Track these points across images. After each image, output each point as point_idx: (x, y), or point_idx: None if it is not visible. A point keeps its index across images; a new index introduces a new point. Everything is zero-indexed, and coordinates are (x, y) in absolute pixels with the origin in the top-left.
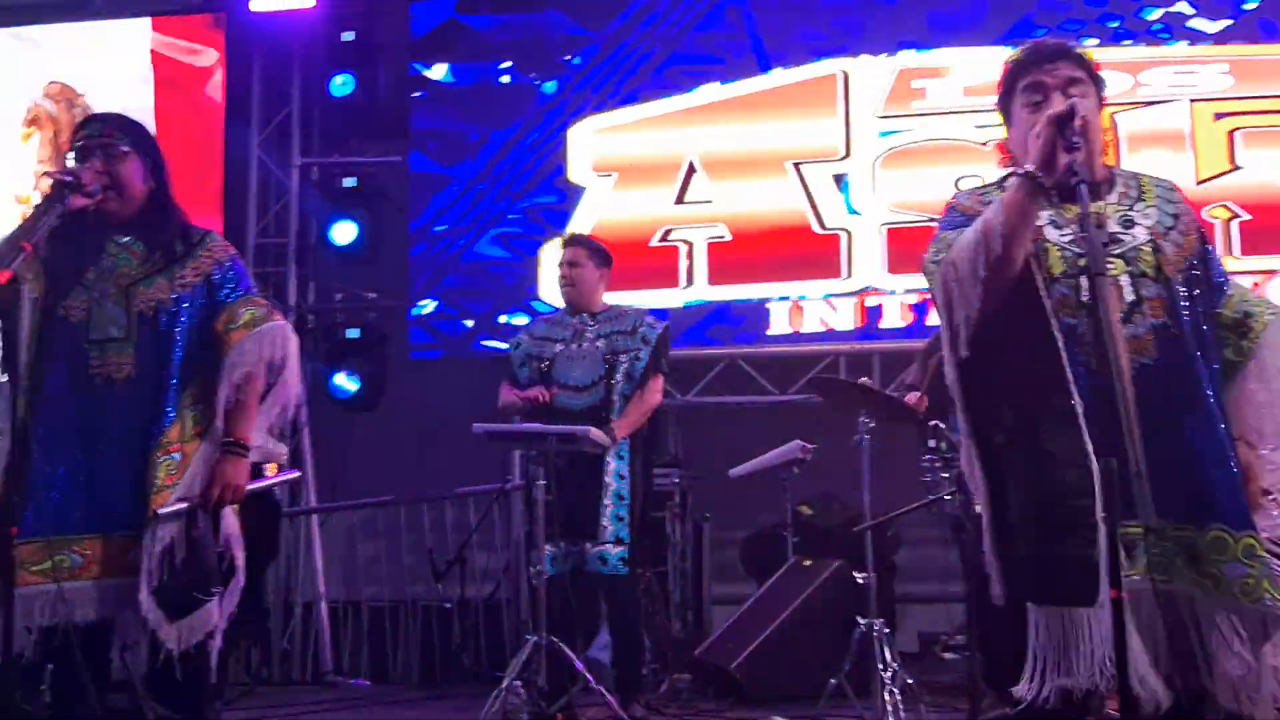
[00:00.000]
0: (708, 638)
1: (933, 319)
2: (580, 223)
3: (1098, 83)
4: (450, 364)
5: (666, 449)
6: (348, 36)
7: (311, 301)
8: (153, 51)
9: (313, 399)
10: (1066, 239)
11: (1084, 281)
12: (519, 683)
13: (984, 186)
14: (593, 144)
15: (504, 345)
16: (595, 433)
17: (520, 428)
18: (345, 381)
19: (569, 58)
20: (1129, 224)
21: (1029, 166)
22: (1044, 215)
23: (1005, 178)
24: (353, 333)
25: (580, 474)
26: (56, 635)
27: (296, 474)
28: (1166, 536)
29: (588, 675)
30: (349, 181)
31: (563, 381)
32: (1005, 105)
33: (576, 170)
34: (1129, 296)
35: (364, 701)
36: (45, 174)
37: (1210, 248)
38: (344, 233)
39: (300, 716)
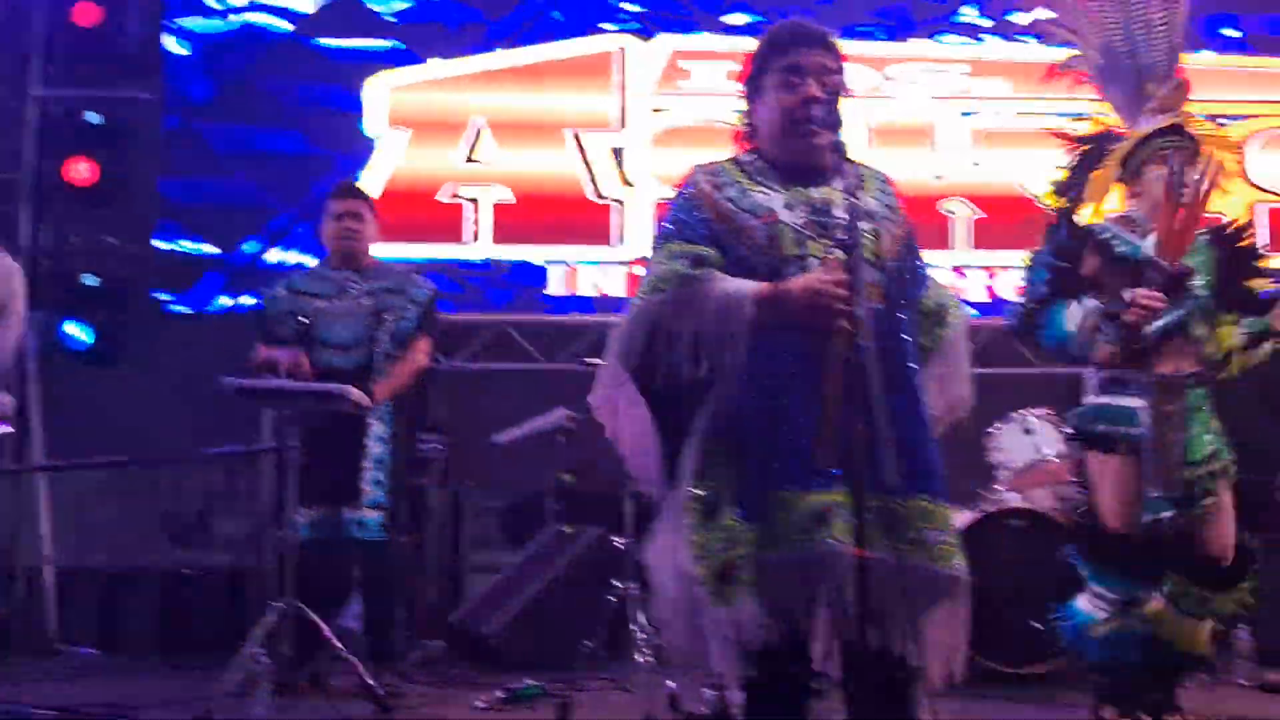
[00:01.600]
0: (464, 605)
1: None
2: (374, 176)
3: (842, 73)
4: (198, 317)
5: (430, 414)
6: None
7: (46, 245)
8: None
9: (46, 350)
10: (799, 221)
11: (813, 263)
12: (262, 651)
13: (720, 164)
14: (388, 99)
15: (257, 300)
16: (355, 393)
17: (274, 384)
18: (77, 331)
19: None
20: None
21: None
22: (778, 198)
23: (744, 157)
24: (90, 280)
25: (339, 436)
26: None
27: (8, 429)
28: (870, 504)
29: (336, 643)
30: (92, 117)
31: (324, 339)
32: (756, 81)
33: (372, 124)
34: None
35: (92, 672)
36: None
37: (913, 241)
38: (83, 172)
39: (22, 687)
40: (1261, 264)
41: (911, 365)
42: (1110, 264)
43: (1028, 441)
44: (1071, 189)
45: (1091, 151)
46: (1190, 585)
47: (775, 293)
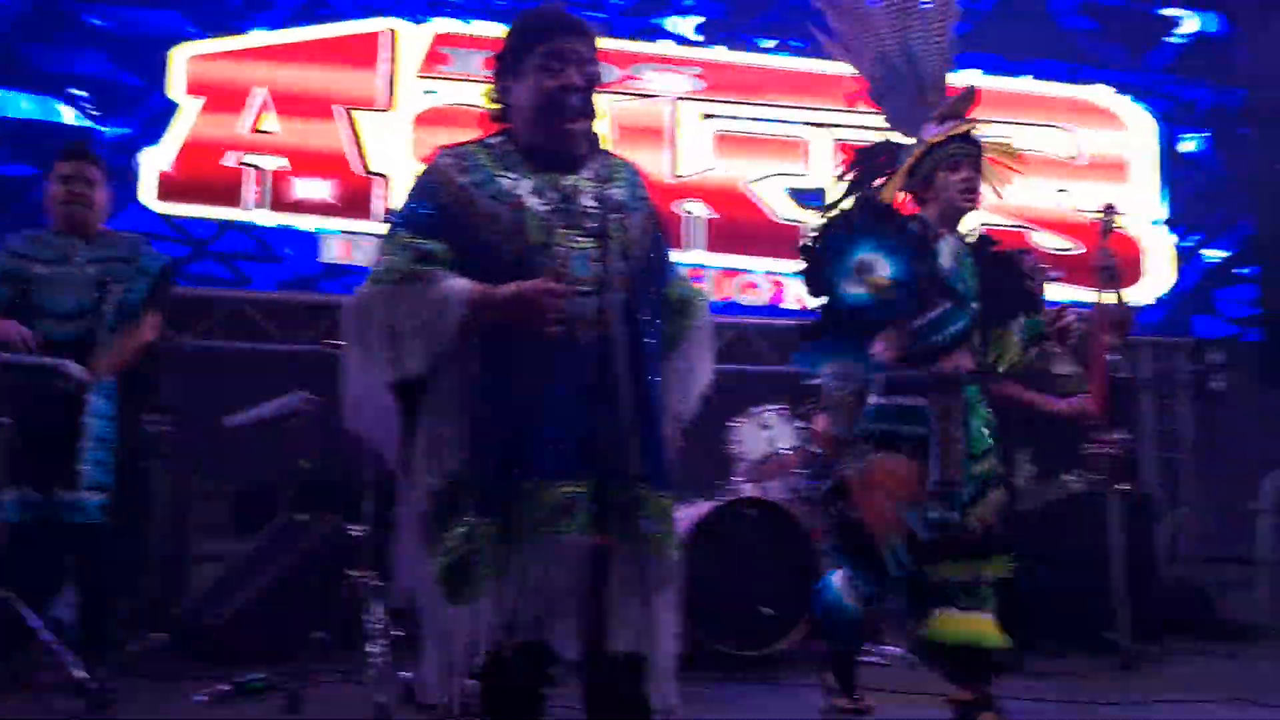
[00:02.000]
0: (189, 595)
1: None
2: (170, 140)
3: (598, 64)
4: None
5: (158, 392)
6: None
7: None
8: None
9: None
10: (547, 208)
11: (559, 251)
12: None
13: (468, 147)
14: (186, 69)
15: None
16: (74, 367)
17: None
18: None
19: None
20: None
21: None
22: (525, 184)
23: (493, 140)
24: None
25: (55, 412)
26: None
27: None
28: (605, 494)
29: (45, 634)
30: None
31: (43, 307)
32: (512, 64)
33: (172, 90)
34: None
35: None
36: None
37: (660, 232)
38: None
39: None
40: (1023, 263)
41: (651, 357)
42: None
43: (764, 435)
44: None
45: (875, 163)
46: (949, 568)
47: (486, 297)
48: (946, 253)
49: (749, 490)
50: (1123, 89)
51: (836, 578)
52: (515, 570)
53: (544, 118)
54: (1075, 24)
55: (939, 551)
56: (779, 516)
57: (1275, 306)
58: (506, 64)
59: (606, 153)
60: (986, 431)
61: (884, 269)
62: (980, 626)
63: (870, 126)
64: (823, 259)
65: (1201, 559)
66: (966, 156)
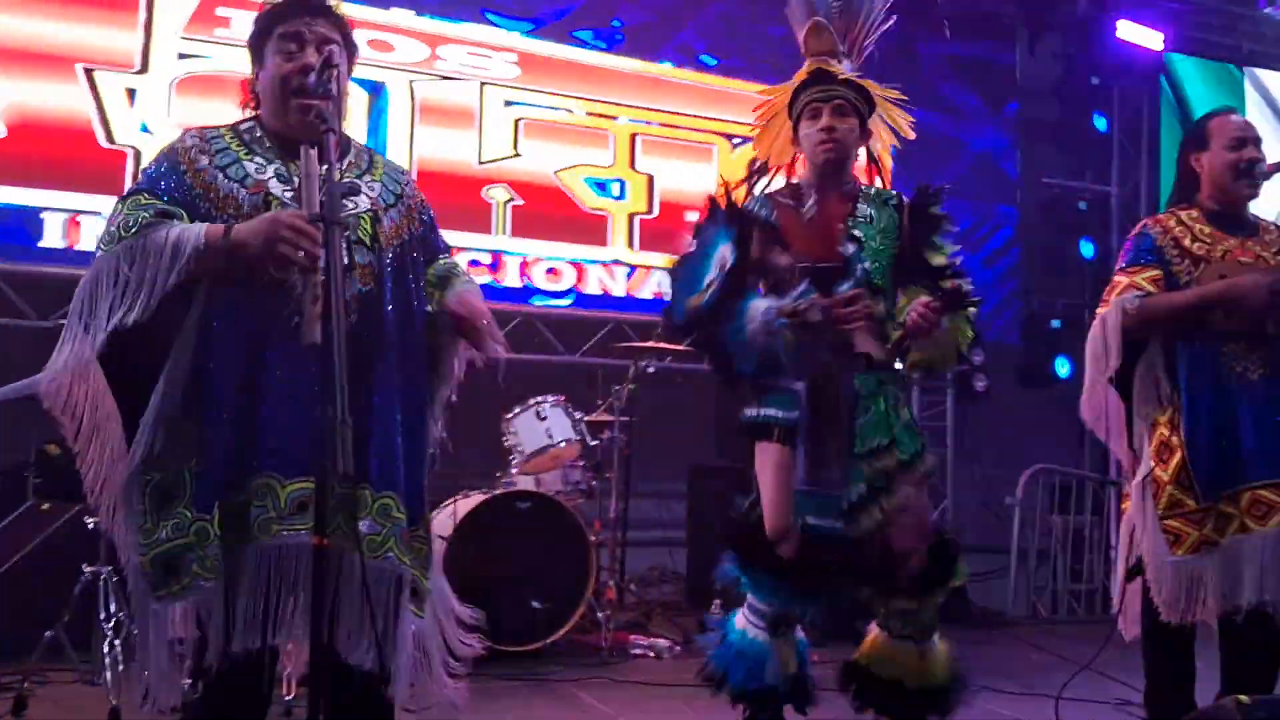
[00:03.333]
0: None
1: None
2: None
3: (350, 48)
4: None
5: None
6: None
7: None
8: None
9: None
10: (289, 194)
11: None
12: None
13: (217, 129)
14: None
15: None
16: None
17: None
18: None
19: None
20: (354, 191)
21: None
22: (270, 169)
23: (243, 124)
24: None
25: None
26: None
27: None
28: (335, 493)
29: None
30: None
31: None
32: (259, 45)
33: None
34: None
35: None
36: None
37: (435, 232)
38: None
39: None
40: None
41: (392, 355)
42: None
43: (540, 427)
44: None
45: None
46: (885, 599)
47: (230, 228)
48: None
49: (523, 483)
50: None
51: (738, 617)
52: (240, 571)
53: (281, 100)
54: None
55: (853, 570)
56: (553, 509)
57: (1031, 312)
58: (254, 50)
59: (369, 148)
60: (886, 429)
61: (729, 258)
62: (914, 660)
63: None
64: (690, 261)
65: (963, 550)
66: (828, 101)
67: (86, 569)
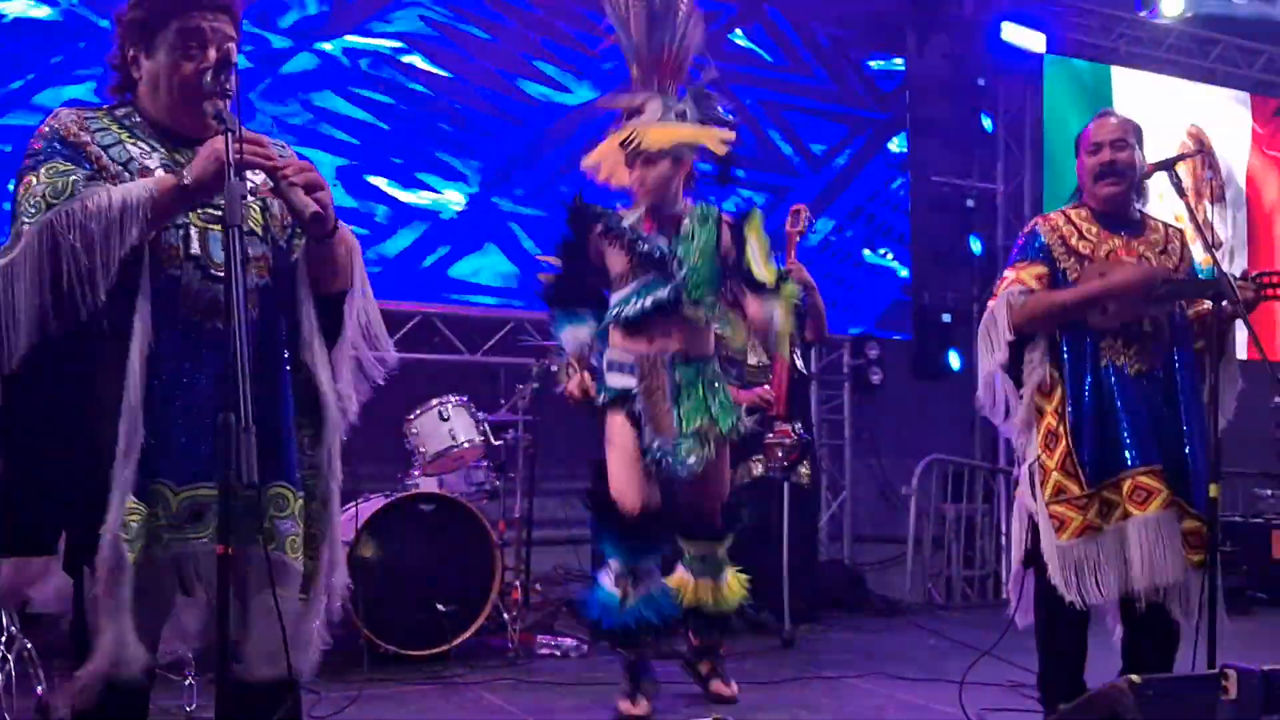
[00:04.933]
0: None
1: None
2: None
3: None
4: None
5: None
6: None
7: None
8: None
9: None
10: None
11: (193, 232)
12: None
13: (93, 112)
14: None
15: None
16: None
17: None
18: None
19: None
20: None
21: (187, 178)
22: (155, 157)
23: (119, 110)
24: None
25: None
26: None
27: None
28: (238, 496)
29: None
30: None
31: None
32: (143, 36)
33: None
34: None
35: None
36: None
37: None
38: None
39: None
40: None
41: (288, 346)
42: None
43: (443, 428)
44: None
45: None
46: (690, 544)
47: (182, 172)
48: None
49: (426, 484)
50: None
51: (602, 576)
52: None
53: (179, 98)
54: None
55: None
56: (457, 511)
57: (921, 306)
58: (136, 34)
59: (276, 140)
60: (706, 409)
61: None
62: (708, 591)
63: None
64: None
65: (863, 540)
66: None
67: None
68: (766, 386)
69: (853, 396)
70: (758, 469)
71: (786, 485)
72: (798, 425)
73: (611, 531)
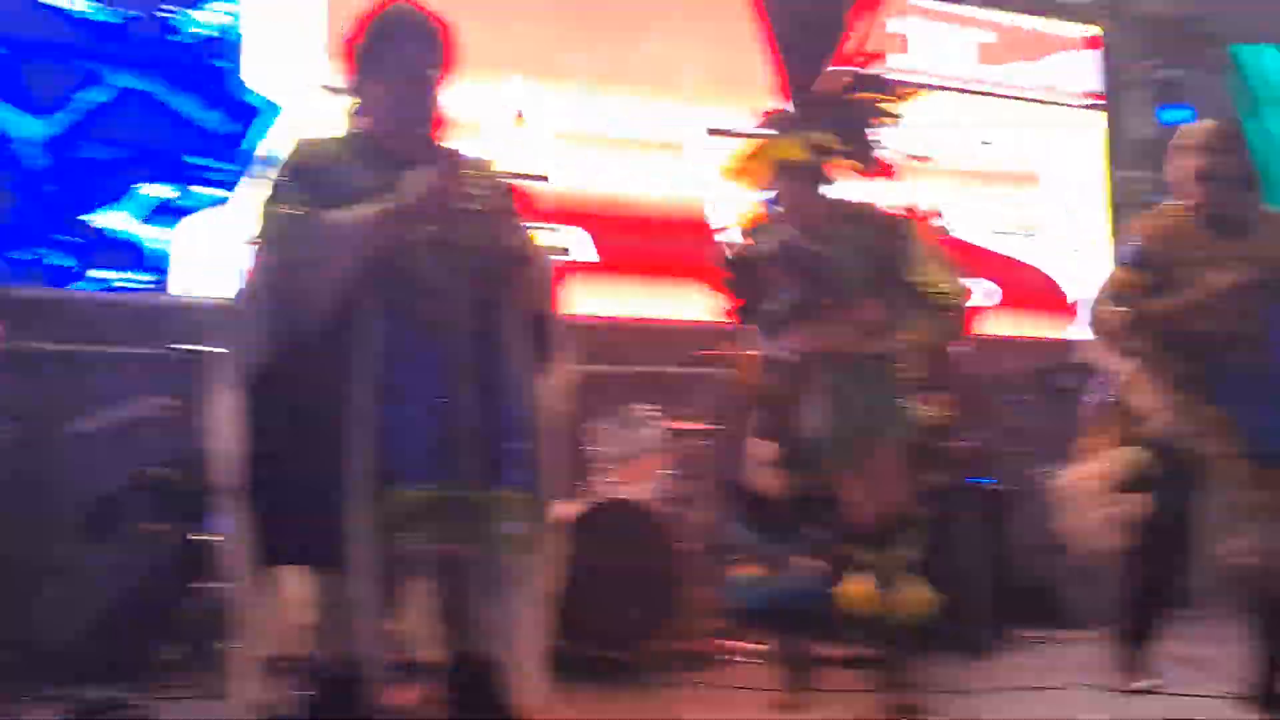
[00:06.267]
0: (33, 610)
1: None
2: None
3: (451, 66)
4: None
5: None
6: None
7: None
8: None
9: None
10: None
11: (417, 248)
12: None
13: (318, 137)
14: None
15: None
16: None
17: None
18: None
19: None
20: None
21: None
22: (380, 179)
23: (349, 135)
24: None
25: None
26: None
27: None
28: (462, 499)
29: None
30: None
31: None
32: (366, 64)
33: None
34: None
35: None
36: None
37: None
38: None
39: None
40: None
41: (503, 354)
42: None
43: (629, 436)
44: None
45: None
46: (858, 549)
47: (389, 205)
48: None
49: (614, 492)
50: None
51: (743, 567)
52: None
53: (396, 123)
54: None
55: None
56: (645, 517)
57: None
58: (360, 62)
59: (455, 151)
60: (874, 406)
61: None
62: (881, 599)
63: None
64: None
65: (1054, 549)
66: None
67: (198, 586)
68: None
69: (1040, 401)
70: (943, 476)
71: (978, 493)
72: (979, 432)
73: (749, 516)
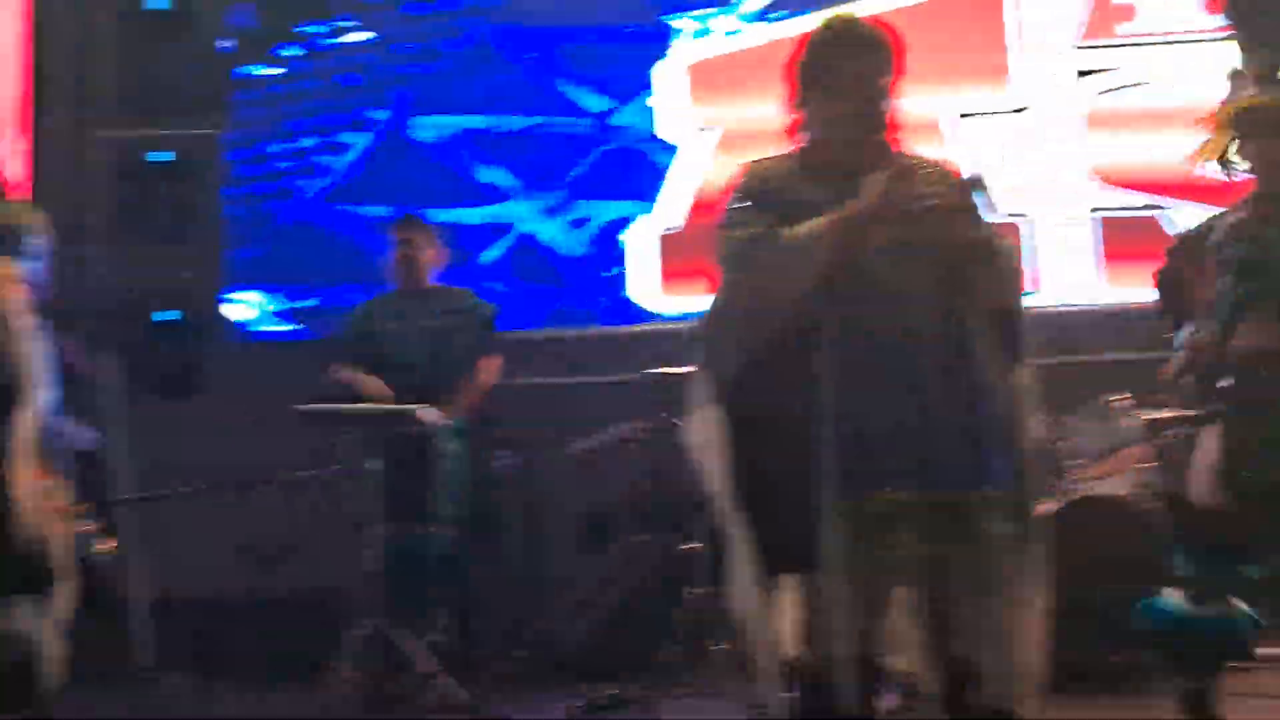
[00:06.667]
0: (544, 616)
1: None
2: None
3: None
4: (271, 346)
5: (501, 429)
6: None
7: (118, 282)
8: None
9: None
10: None
11: (873, 254)
12: (352, 668)
13: (769, 161)
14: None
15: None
16: (425, 411)
17: (344, 408)
18: (151, 364)
19: None
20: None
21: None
22: (826, 194)
23: (795, 152)
24: (164, 315)
25: (414, 455)
26: None
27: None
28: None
29: (422, 657)
30: (157, 155)
31: (395, 361)
32: (813, 79)
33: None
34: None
35: (189, 698)
36: None
37: (983, 228)
38: (152, 208)
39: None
40: None
41: (972, 353)
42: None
43: (1107, 429)
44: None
45: None
46: None
47: (846, 213)
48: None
49: (1095, 488)
50: None
51: (1166, 593)
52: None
53: (848, 134)
54: None
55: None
56: (1127, 514)
57: None
58: (807, 79)
59: (910, 154)
60: None
61: None
62: None
63: None
64: None
65: None
66: None
67: (690, 592)
68: None
69: None
70: None
71: None
72: None
73: (1186, 533)
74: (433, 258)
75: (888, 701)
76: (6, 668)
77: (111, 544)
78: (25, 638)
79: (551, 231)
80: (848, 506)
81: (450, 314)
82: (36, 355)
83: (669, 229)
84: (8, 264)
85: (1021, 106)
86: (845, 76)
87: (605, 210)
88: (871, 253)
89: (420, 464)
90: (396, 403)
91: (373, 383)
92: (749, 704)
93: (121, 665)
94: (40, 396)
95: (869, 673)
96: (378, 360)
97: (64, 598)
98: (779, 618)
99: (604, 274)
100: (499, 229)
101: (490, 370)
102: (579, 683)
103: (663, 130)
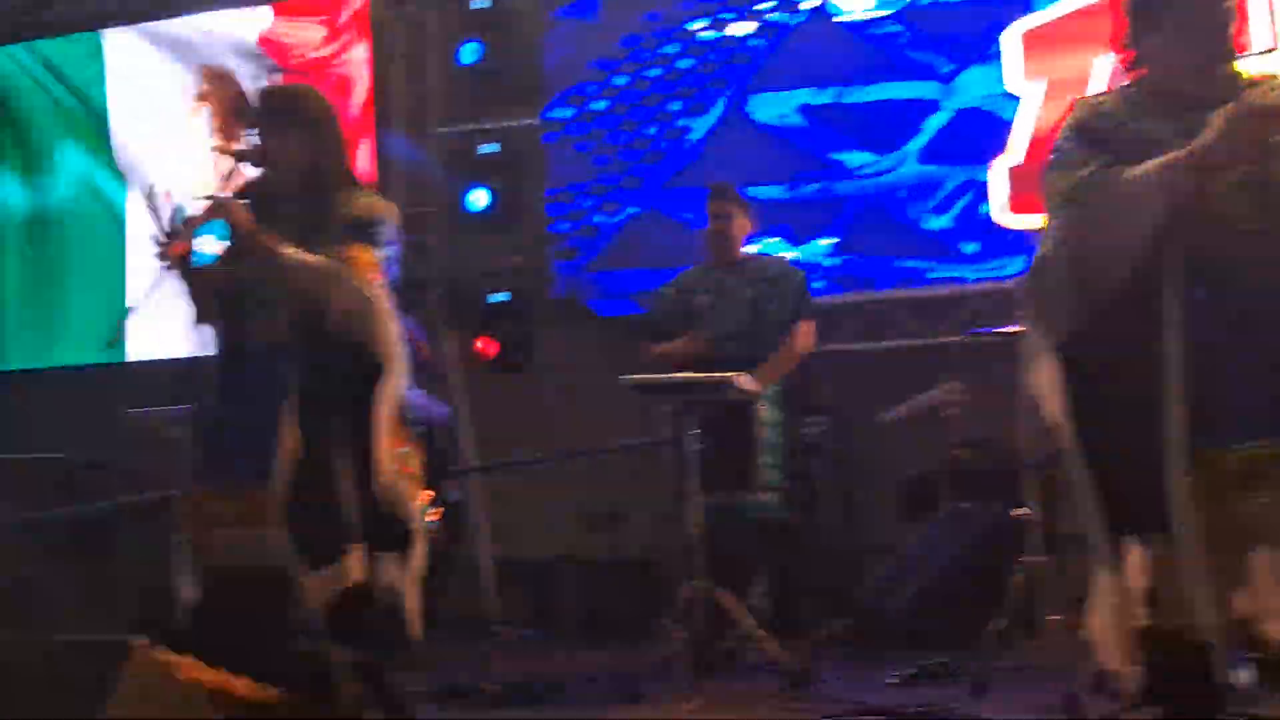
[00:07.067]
0: (863, 585)
1: None
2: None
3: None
4: (598, 322)
5: (815, 395)
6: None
7: (456, 268)
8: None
9: (466, 362)
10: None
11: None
12: (678, 629)
13: (1101, 97)
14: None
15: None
16: (743, 379)
17: (668, 378)
18: (487, 342)
19: None
20: None
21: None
22: (1168, 128)
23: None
24: (497, 297)
25: (732, 424)
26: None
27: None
28: None
29: (746, 620)
30: (486, 148)
31: (710, 332)
32: (1151, 15)
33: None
34: None
35: (527, 651)
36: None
37: None
38: (482, 199)
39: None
40: None
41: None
42: None
43: None
44: None
45: None
46: None
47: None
48: None
49: None
50: None
51: None
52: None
53: (1191, 64)
54: None
55: None
56: None
57: None
58: (1144, 14)
59: (1259, 85)
60: None
61: None
62: None
63: None
64: None
65: None
66: None
67: (1022, 560)
68: None
69: None
70: None
71: None
72: None
73: None
74: (744, 228)
75: (1245, 676)
76: (378, 616)
77: (438, 514)
78: (392, 590)
79: (893, 199)
80: (1202, 459)
81: (763, 283)
82: (397, 335)
83: (1013, 164)
84: (369, 251)
85: None
86: (1190, 5)
87: (952, 175)
88: (1224, 190)
89: (740, 432)
90: (712, 372)
91: (687, 344)
92: (1088, 677)
93: (470, 620)
94: (400, 372)
95: (1224, 645)
96: (692, 332)
97: (421, 556)
98: (1125, 584)
99: (948, 233)
100: (842, 199)
101: (805, 336)
102: (905, 651)
103: (1011, 87)
